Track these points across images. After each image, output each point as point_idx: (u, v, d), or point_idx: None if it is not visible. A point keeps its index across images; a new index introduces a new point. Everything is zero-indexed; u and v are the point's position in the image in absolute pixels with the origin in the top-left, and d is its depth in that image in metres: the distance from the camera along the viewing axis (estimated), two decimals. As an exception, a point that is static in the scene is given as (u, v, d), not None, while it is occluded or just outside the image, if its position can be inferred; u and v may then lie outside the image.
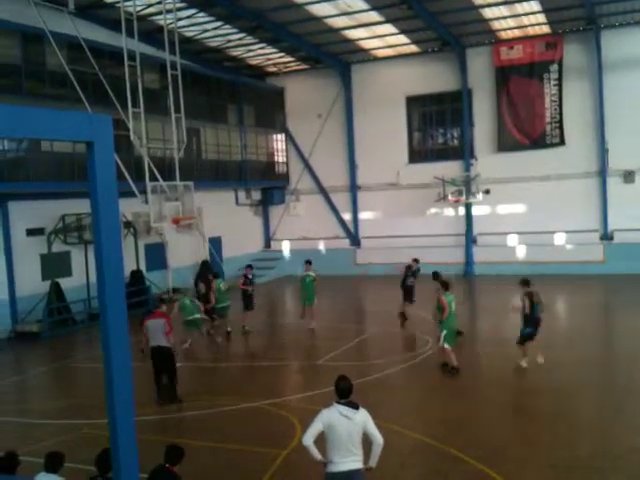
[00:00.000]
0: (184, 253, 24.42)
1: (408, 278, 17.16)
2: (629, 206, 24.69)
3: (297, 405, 11.20)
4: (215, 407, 11.30)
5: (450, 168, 27.06)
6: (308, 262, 17.78)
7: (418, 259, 17.79)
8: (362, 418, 6.13)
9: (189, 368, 14.16)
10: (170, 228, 21.13)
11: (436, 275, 14.40)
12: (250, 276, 17.85)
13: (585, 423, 10.06)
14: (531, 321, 12.38)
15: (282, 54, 28.72)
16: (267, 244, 31.81)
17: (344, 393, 6.22)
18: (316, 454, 6.11)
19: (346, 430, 6.04)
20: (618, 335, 16.25)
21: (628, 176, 25.01)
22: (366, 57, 28.98)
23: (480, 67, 27.05)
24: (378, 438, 6.13)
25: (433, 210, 28.03)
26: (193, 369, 14.33)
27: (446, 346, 12.53)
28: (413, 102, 28.90)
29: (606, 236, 25.40)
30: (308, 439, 6.06)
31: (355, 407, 6.15)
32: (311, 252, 26.97)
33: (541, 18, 24.52)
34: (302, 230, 30.29)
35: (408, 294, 17.05)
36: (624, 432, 9.54)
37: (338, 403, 6.18)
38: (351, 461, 6.08)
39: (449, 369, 12.61)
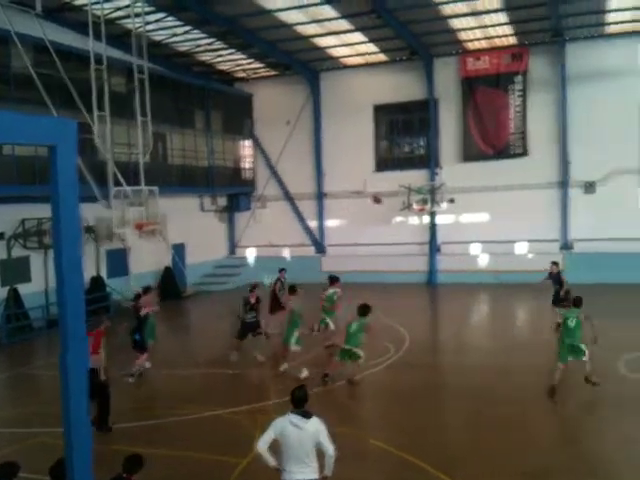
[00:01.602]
0: (147, 259, 24.16)
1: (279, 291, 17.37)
2: (589, 217, 25.21)
3: (263, 412, 11.14)
4: (179, 415, 11.18)
5: (416, 177, 27.29)
6: (334, 279, 15.89)
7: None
8: (314, 428, 6.13)
9: (160, 375, 14.00)
10: (133, 234, 20.87)
11: None
12: (283, 280, 17.86)
13: (543, 431, 10.20)
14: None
15: (251, 60, 28.68)
16: (232, 251, 31.66)
17: (298, 402, 6.24)
18: (270, 460, 6.19)
19: (297, 439, 6.06)
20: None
21: (589, 187, 25.54)
22: (335, 65, 29.12)
23: (447, 77, 27.39)
24: (329, 449, 6.13)
25: (398, 219, 28.21)
26: (163, 376, 14.16)
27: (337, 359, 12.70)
28: (380, 111, 29.10)
29: (566, 246, 25.90)
30: (261, 446, 6.17)
31: (307, 417, 6.15)
32: (277, 259, 26.94)
33: (508, 30, 24.94)
34: (268, 237, 30.22)
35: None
36: (584, 440, 9.71)
37: (292, 412, 6.20)
38: (306, 471, 6.10)
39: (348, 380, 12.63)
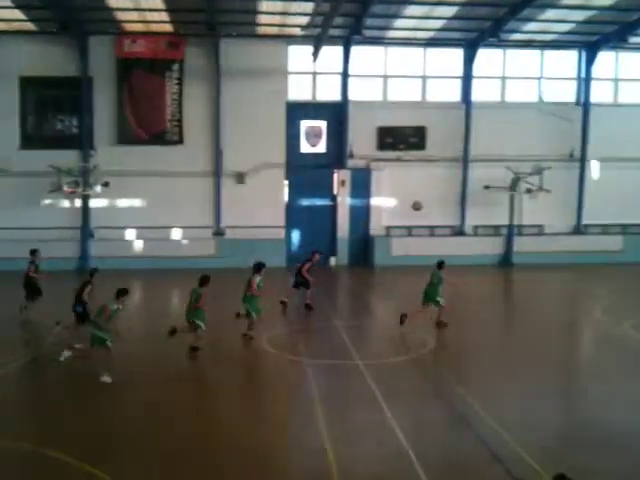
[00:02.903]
0: None
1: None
2: (240, 205, 26.83)
3: None
4: None
5: (67, 157, 25.81)
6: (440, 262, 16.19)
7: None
8: None
9: None
10: None
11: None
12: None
13: (184, 409, 10.54)
14: None
15: None
16: None
17: None
18: None
19: None
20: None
21: (239, 177, 27.15)
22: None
23: (103, 56, 26.39)
24: None
25: (47, 201, 26.36)
26: None
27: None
28: (28, 83, 26.69)
29: (218, 232, 27.20)
30: None
31: None
32: None
33: (165, 16, 25.01)
34: None
35: None
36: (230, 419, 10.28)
37: None
38: None
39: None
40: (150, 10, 24.20)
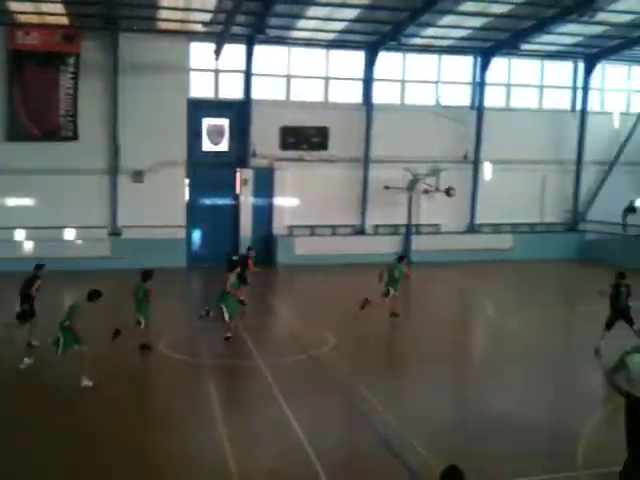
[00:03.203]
0: None
1: None
2: (138, 204, 26.03)
3: None
4: None
5: (-49, 154, 24.27)
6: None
7: None
8: None
9: None
10: None
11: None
12: None
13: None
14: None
15: None
16: None
17: None
18: None
19: None
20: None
21: (137, 176, 26.41)
22: None
23: (-8, 48, 24.97)
24: None
25: None
26: None
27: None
28: None
29: (115, 232, 26.35)
30: None
31: None
32: None
33: (60, 8, 23.95)
34: None
35: None
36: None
37: None
38: None
39: None
40: (45, 1, 23.14)
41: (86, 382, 11.39)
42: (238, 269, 15.03)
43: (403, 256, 17.52)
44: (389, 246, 28.59)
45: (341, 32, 26.85)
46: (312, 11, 24.52)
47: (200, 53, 27.00)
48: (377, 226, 29.64)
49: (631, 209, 30.01)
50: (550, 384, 12.90)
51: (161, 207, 25.97)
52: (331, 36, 27.35)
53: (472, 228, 30.54)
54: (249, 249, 19.45)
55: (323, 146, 28.46)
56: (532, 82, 31.15)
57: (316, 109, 28.33)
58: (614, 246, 28.92)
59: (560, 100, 31.61)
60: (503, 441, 9.50)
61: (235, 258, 15.06)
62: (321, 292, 16.41)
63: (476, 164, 30.02)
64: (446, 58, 29.89)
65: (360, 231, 29.36)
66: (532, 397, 11.68)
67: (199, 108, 27.09)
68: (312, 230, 28.90)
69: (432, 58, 29.70)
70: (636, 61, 31.45)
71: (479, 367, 14.17)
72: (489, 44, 28.87)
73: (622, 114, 31.68)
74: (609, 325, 14.42)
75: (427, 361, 13.76)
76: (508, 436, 9.65)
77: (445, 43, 28.58)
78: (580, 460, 8.77)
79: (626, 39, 28.28)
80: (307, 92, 28.61)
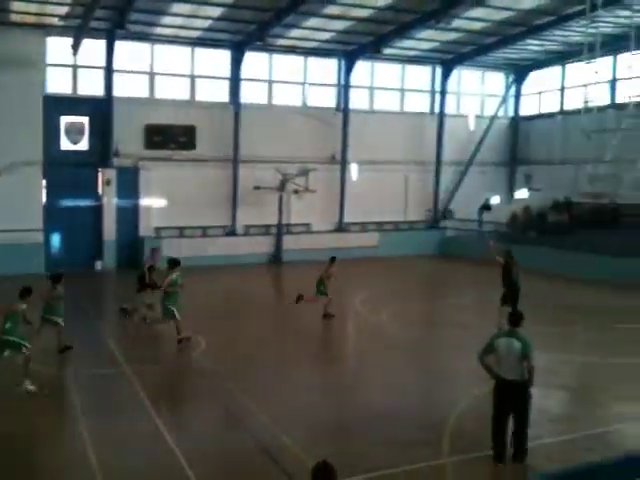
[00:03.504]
0: None
1: None
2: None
3: None
4: None
5: None
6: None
7: None
8: None
9: None
10: None
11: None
12: None
13: None
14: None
15: None
16: None
17: None
18: None
19: None
20: None
21: (-8, 174, 24.52)
22: None
23: None
24: None
25: None
26: None
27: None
28: None
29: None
30: None
31: None
32: None
33: None
34: None
35: None
36: None
37: None
38: None
39: None
40: None
41: (29, 387, 11.17)
42: (178, 268, 15.14)
43: (334, 257, 17.89)
44: (261, 246, 28.61)
45: (206, 30, 26.48)
46: (175, 8, 23.99)
47: (58, 48, 25.58)
48: (248, 226, 29.53)
49: (486, 207, 31.90)
50: (420, 375, 13.41)
51: (16, 210, 24.26)
52: (196, 34, 26.90)
53: (341, 227, 31.19)
54: (153, 250, 18.69)
55: (191, 145, 27.92)
56: (394, 85, 32.32)
57: (183, 108, 27.78)
58: (471, 242, 30.66)
59: (420, 103, 33.04)
60: (376, 434, 9.72)
61: (175, 258, 15.57)
62: (190, 295, 15.99)
63: (343, 165, 30.69)
64: (312, 60, 30.31)
65: (231, 232, 29.11)
66: (403, 389, 12.07)
67: (57, 105, 25.64)
68: (181, 231, 28.29)
69: (298, 59, 30.01)
70: (489, 67, 33.52)
71: (352, 363, 14.44)
72: (353, 47, 29.60)
73: (477, 117, 33.63)
74: (504, 301, 15.32)
75: (299, 360, 13.83)
76: (380, 429, 9.89)
77: (310, 45, 28.98)
78: (446, 447, 9.15)
79: (479, 46, 30.04)
80: (173, 90, 27.98)
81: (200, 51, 28.26)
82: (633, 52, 19.58)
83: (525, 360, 8.51)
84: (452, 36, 28.37)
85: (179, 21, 25.35)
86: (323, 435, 9.74)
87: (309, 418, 10.39)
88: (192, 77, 28.38)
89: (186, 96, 28.29)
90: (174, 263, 15.32)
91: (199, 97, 28.53)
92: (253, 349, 14.68)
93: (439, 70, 32.69)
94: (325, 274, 17.45)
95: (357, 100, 31.31)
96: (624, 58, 25.39)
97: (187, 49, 27.97)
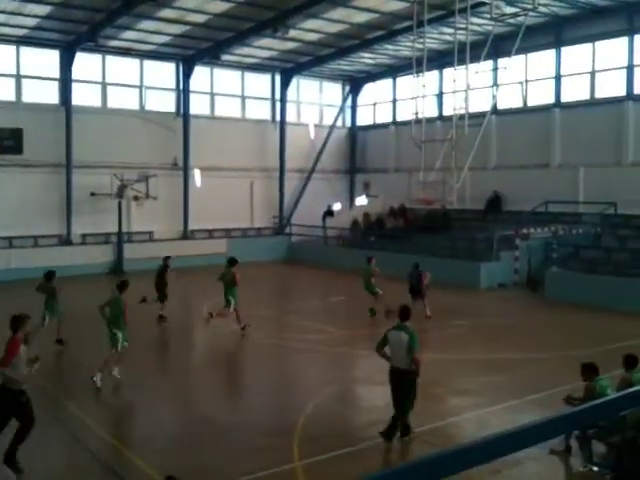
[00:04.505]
0: None
1: None
2: None
3: None
4: None
5: None
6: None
7: None
8: None
9: None
10: None
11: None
12: None
13: None
14: None
15: None
16: None
17: None
18: None
19: None
20: None
21: None
22: None
23: None
24: None
25: None
26: None
27: None
28: None
29: None
30: None
31: None
32: None
33: None
34: None
35: None
36: None
37: None
38: None
39: None
40: None
41: None
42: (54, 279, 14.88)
43: (234, 259, 17.57)
44: (100, 256, 27.33)
45: (33, 29, 24.90)
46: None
47: None
48: (85, 235, 28.08)
49: (329, 213, 32.87)
50: (269, 382, 13.45)
51: None
52: (21, 32, 25.20)
53: (186, 234, 30.57)
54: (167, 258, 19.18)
55: (17, 150, 26.05)
56: (235, 92, 32.29)
57: (7, 109, 25.89)
58: (316, 247, 31.35)
59: (261, 110, 33.29)
60: (227, 444, 9.62)
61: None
62: (15, 309, 14.83)
63: (186, 171, 30.14)
64: (149, 63, 29.51)
65: (66, 241, 27.50)
66: (252, 398, 12.05)
67: None
68: (10, 241, 26.25)
69: (134, 62, 29.09)
70: (326, 77, 34.53)
71: (200, 375, 14.14)
72: (191, 52, 29.21)
73: (317, 126, 34.50)
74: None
75: (144, 373, 13.36)
76: (230, 439, 9.80)
77: (147, 48, 28.22)
78: (296, 452, 9.25)
79: (316, 56, 30.86)
80: (-4, 91, 26.03)
81: (27, 50, 26.52)
82: (456, 67, 20.96)
83: (412, 352, 9.29)
84: (290, 45, 28.86)
85: (2, 18, 23.60)
86: (173, 451, 9.47)
87: (159, 435, 10.06)
88: (18, 77, 26.54)
89: (11, 97, 26.38)
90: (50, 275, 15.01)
91: (26, 98, 26.73)
92: (91, 365, 13.95)
93: (278, 78, 33.14)
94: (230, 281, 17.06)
95: (198, 106, 30.92)
96: (449, 73, 27.20)
97: (12, 47, 26.13)
